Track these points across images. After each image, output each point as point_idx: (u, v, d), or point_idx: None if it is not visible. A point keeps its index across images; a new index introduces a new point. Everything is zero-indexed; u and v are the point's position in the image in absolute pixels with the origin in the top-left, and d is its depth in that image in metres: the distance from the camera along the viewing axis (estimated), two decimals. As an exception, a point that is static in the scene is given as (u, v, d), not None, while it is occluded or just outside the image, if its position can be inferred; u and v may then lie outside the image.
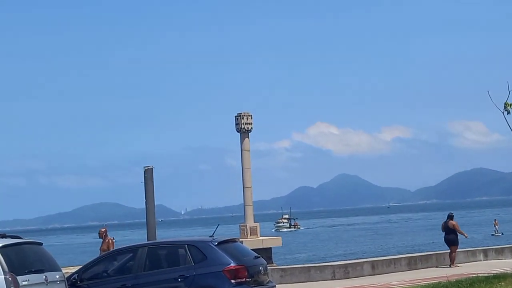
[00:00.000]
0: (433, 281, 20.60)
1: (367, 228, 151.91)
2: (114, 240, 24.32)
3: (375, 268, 26.61)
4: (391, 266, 27.11)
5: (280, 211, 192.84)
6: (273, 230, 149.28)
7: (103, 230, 24.25)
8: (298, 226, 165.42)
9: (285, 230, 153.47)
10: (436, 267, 27.88)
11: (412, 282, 22.11)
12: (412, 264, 27.72)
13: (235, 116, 34.26)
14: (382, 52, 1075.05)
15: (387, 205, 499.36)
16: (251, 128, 34.23)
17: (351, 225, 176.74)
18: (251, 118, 34.19)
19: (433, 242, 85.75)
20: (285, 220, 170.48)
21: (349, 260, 33.34)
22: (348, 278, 25.51)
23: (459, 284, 18.63)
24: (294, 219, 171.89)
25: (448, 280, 19.61)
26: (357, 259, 35.07)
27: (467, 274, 22.59)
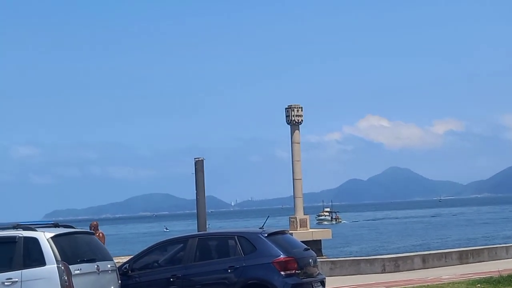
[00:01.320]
0: (484, 276, 20.32)
1: (415, 221, 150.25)
2: (104, 234, 24.71)
3: (426, 262, 26.36)
4: (442, 260, 26.82)
5: (330, 203, 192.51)
6: (315, 223, 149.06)
7: (94, 223, 24.62)
8: (340, 220, 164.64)
9: (326, 223, 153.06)
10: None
11: (463, 276, 21.84)
12: (464, 258, 27.37)
13: (286, 108, 34.27)
14: (434, 44, 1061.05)
15: (439, 198, 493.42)
16: (302, 120, 34.19)
17: (397, 218, 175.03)
18: (302, 110, 34.16)
19: (484, 236, 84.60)
20: (327, 213, 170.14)
21: (400, 253, 33.09)
22: (398, 271, 25.32)
23: (511, 279, 18.35)
24: (336, 212, 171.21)
25: (500, 275, 19.32)
26: (408, 252, 34.78)
27: (521, 269, 22.21)
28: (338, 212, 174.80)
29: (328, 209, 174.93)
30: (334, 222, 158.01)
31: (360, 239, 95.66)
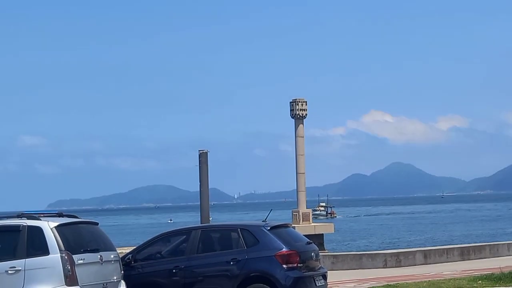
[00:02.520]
0: (486, 272, 20.35)
1: (416, 217, 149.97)
2: None
3: (428, 258, 26.39)
4: (444, 256, 26.85)
5: (332, 197, 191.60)
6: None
7: None
8: (335, 215, 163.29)
9: (322, 218, 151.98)
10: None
11: (465, 272, 21.87)
12: (465, 254, 27.40)
13: (290, 102, 34.26)
14: (439, 40, 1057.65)
15: (441, 194, 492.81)
16: (306, 114, 34.19)
17: (396, 214, 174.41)
18: (306, 104, 34.15)
19: (486, 233, 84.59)
20: (322, 208, 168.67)
21: (401, 248, 33.15)
22: (400, 266, 25.35)
23: (513, 276, 18.36)
24: (331, 207, 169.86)
25: (502, 272, 19.35)
26: (409, 248, 34.83)
27: (522, 266, 22.23)
28: (333, 207, 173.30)
29: (323, 204, 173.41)
30: (329, 217, 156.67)
31: (353, 235, 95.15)
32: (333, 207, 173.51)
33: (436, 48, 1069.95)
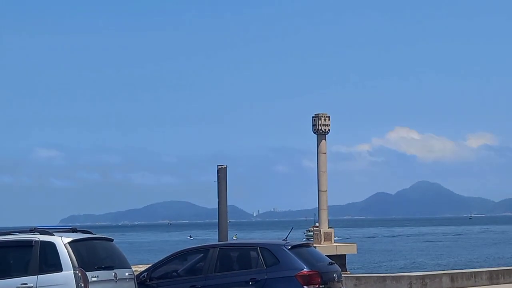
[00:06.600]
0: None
1: (438, 239, 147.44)
2: None
3: (454, 281, 25.73)
4: (471, 279, 26.16)
5: (355, 216, 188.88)
6: (303, 239, 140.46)
7: None
8: None
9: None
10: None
11: (493, 297, 21.24)
12: (494, 278, 26.67)
13: (312, 117, 33.77)
14: (468, 55, 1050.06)
15: (469, 215, 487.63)
16: (329, 129, 33.69)
17: (420, 235, 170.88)
18: (329, 119, 33.64)
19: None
20: (317, 229, 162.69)
21: (427, 271, 32.49)
22: (425, 289, 24.74)
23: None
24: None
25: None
26: (436, 270, 34.15)
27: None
28: (330, 227, 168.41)
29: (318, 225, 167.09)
30: None
31: (377, 256, 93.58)
32: (330, 227, 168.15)
33: (465, 62, 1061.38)
